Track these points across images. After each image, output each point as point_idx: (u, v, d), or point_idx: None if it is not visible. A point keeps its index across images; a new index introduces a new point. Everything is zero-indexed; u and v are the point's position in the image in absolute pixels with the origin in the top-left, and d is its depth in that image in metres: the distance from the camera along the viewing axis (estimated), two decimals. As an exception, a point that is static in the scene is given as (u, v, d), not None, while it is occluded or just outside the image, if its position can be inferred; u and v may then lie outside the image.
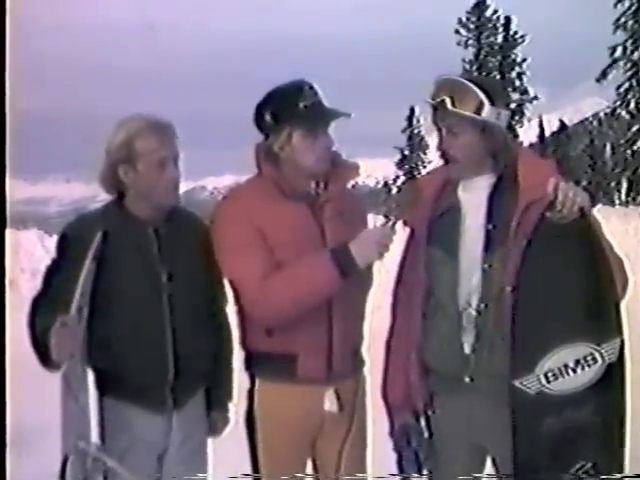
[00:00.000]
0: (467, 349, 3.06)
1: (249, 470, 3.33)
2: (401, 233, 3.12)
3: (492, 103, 3.02)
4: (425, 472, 3.23)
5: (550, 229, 2.84)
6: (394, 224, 3.06)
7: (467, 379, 3.07)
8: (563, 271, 2.87)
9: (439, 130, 3.11)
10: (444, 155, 3.12)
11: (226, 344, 3.46)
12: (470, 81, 3.06)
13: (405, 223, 3.19)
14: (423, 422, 3.24)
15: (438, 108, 3.07)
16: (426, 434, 3.23)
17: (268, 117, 3.23)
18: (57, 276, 3.14)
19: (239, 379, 3.46)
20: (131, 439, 3.16)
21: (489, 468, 3.21)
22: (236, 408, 3.49)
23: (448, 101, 3.02)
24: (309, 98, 3.21)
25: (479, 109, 3.02)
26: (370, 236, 3.07)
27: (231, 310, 3.39)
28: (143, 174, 3.17)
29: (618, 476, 2.88)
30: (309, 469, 3.40)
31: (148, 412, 3.19)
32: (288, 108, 3.20)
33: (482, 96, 3.01)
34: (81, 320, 3.01)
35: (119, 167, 3.18)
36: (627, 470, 2.90)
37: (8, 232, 3.60)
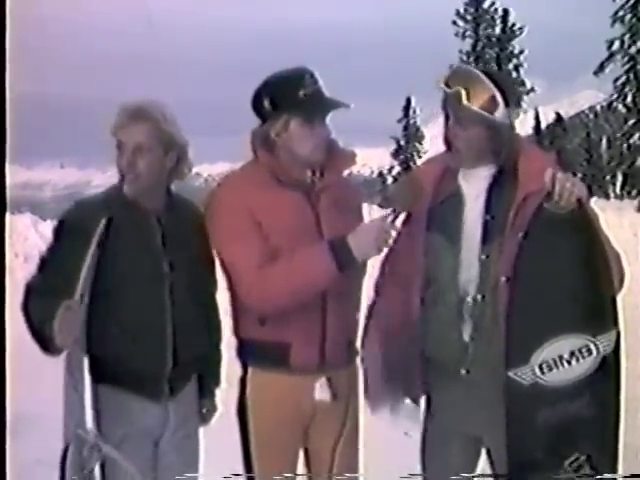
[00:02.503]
0: (466, 338, 3.06)
1: (240, 458, 3.32)
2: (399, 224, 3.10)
3: (505, 101, 3.01)
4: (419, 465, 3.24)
5: (547, 220, 2.84)
6: (394, 219, 3.05)
7: (463, 371, 3.07)
8: (560, 262, 2.86)
9: (446, 117, 3.09)
10: (447, 142, 3.11)
11: (215, 331, 3.46)
12: (485, 74, 3.03)
13: (405, 212, 3.16)
14: (421, 409, 3.24)
15: (450, 96, 3.04)
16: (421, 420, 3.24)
17: (267, 103, 3.21)
18: (56, 262, 3.13)
19: (232, 367, 3.45)
20: (128, 427, 3.16)
21: (484, 459, 3.21)
22: (229, 397, 3.48)
23: (463, 94, 2.99)
24: (309, 86, 3.19)
25: (492, 106, 3.00)
26: (369, 231, 3.06)
27: (222, 297, 3.38)
28: (126, 162, 3.16)
29: (613, 476, 2.88)
30: (301, 458, 3.40)
31: (145, 400, 3.19)
32: (288, 95, 3.18)
33: (496, 92, 3.00)
34: (82, 306, 3.01)
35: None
36: (621, 462, 2.90)
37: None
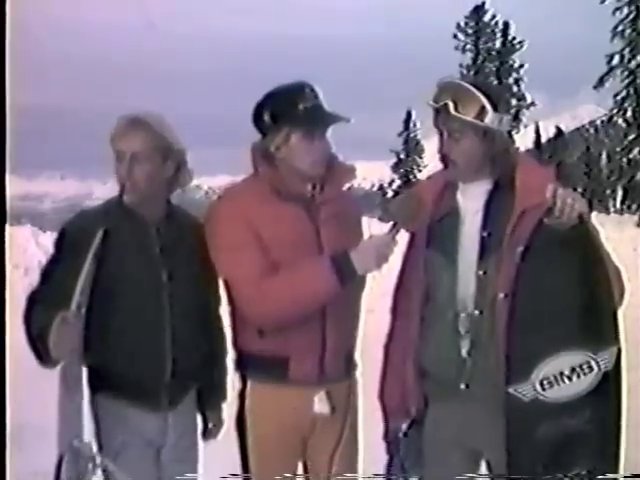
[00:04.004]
0: (464, 354, 3.05)
1: (239, 471, 3.31)
2: (400, 240, 3.10)
3: (494, 108, 3.01)
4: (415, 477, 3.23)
5: (548, 236, 2.82)
6: (395, 234, 3.05)
7: (462, 386, 3.06)
8: (560, 278, 2.85)
9: (440, 133, 3.09)
10: (444, 158, 3.10)
11: (220, 345, 3.44)
12: (473, 85, 3.04)
13: (406, 230, 3.16)
14: (413, 430, 3.22)
15: (440, 111, 3.05)
16: (414, 443, 3.22)
17: (267, 117, 3.21)
18: (56, 273, 3.13)
19: (231, 380, 3.45)
20: (126, 438, 3.16)
21: (483, 472, 3.20)
22: (228, 409, 3.47)
23: (451, 105, 3.00)
24: (309, 100, 3.20)
25: (481, 114, 3.00)
26: (371, 246, 3.06)
27: (224, 311, 3.38)
28: (124, 170, 3.16)
29: (613, 476, 2.87)
30: (300, 472, 3.39)
31: (144, 410, 3.19)
32: (287, 109, 3.18)
33: (485, 101, 3.00)
34: (79, 318, 3.00)
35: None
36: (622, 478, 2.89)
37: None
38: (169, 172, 3.23)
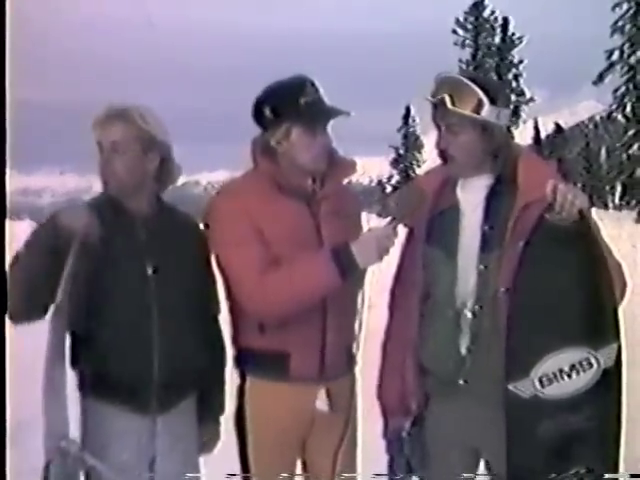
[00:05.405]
0: (463, 350, 3.05)
1: (238, 468, 3.30)
2: (400, 233, 3.10)
3: (492, 102, 3.00)
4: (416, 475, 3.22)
5: (548, 231, 2.82)
6: (396, 226, 3.04)
7: (461, 381, 3.05)
8: (561, 274, 2.84)
9: (438, 128, 3.08)
10: (443, 153, 3.10)
11: (218, 354, 3.38)
12: (470, 79, 3.04)
13: (405, 224, 3.16)
14: (416, 428, 3.21)
15: (438, 106, 3.05)
16: (419, 441, 3.21)
17: (267, 111, 3.20)
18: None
19: (230, 378, 3.42)
20: (113, 439, 3.11)
21: (482, 470, 3.19)
22: (227, 405, 3.46)
23: (448, 100, 3.00)
24: (310, 95, 3.19)
25: (479, 108, 3.00)
26: (372, 238, 3.05)
27: (223, 318, 3.35)
28: (102, 160, 3.16)
29: (615, 475, 2.86)
30: (298, 469, 3.38)
31: (132, 412, 3.12)
32: (288, 103, 3.17)
33: (482, 95, 3.00)
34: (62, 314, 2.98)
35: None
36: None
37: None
38: (152, 164, 3.18)
